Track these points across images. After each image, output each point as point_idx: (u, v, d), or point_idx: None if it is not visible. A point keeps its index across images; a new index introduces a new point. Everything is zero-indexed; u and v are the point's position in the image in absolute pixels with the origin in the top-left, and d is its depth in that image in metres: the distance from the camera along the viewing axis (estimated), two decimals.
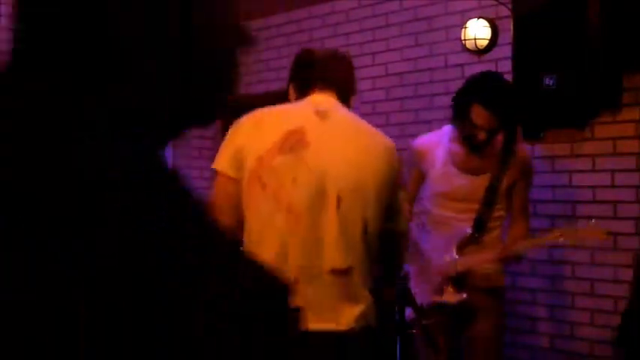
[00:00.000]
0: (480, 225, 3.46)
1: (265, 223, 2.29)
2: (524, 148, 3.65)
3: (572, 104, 3.96)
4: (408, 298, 3.03)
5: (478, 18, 4.69)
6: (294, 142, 2.30)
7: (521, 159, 3.52)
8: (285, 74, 6.07)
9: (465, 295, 3.42)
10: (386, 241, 2.44)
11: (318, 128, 2.36)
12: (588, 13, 3.76)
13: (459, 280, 3.44)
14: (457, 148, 3.47)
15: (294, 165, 2.29)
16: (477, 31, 4.68)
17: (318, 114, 2.40)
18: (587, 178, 4.28)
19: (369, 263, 2.37)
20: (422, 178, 3.60)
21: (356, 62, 5.47)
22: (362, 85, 5.48)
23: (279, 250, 2.24)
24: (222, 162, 2.38)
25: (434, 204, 3.56)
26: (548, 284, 4.43)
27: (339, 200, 2.29)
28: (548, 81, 3.86)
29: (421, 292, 3.41)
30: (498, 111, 3.26)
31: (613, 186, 4.17)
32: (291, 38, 5.98)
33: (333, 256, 2.27)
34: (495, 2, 4.54)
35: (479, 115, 3.27)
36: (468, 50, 4.76)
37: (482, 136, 3.31)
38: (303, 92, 2.52)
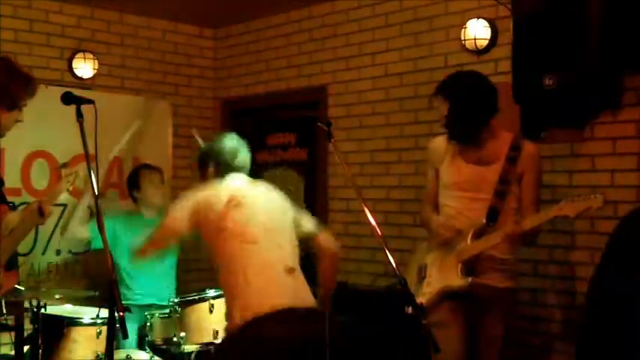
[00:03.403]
0: (493, 215, 3.55)
1: (234, 254, 3.26)
2: (530, 144, 3.69)
3: (572, 104, 3.95)
4: (408, 298, 3.03)
5: (478, 18, 4.69)
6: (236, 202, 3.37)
7: (528, 153, 3.61)
8: (285, 74, 6.09)
9: (469, 280, 3.51)
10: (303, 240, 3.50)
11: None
12: (588, 13, 3.75)
13: (470, 266, 3.54)
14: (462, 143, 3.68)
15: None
16: (477, 31, 4.68)
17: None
18: (587, 178, 4.28)
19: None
20: (437, 176, 3.78)
21: (356, 62, 5.51)
22: (362, 86, 5.48)
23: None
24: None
25: (445, 197, 3.70)
26: (548, 284, 4.43)
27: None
28: (548, 81, 3.86)
29: (435, 279, 3.61)
30: (442, 95, 3.61)
31: (613, 186, 4.17)
32: (291, 38, 5.98)
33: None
34: (495, 2, 4.54)
35: (437, 105, 3.66)
36: (468, 50, 4.76)
37: (442, 121, 3.64)
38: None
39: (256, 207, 3.39)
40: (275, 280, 3.21)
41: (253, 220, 3.32)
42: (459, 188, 3.64)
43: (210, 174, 3.55)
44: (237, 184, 3.47)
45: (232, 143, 3.57)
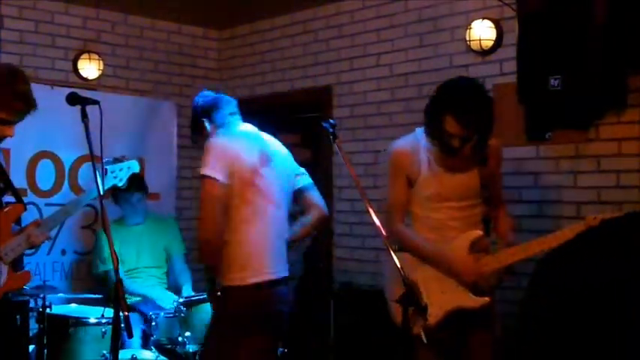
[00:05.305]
0: (488, 225, 3.50)
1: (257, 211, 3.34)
2: (493, 139, 3.51)
3: (577, 105, 3.95)
4: (411, 299, 3.03)
5: (483, 19, 4.69)
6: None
7: (494, 149, 3.52)
8: (290, 75, 6.10)
9: (487, 300, 3.38)
10: None
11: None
12: (593, 14, 3.75)
13: (478, 284, 3.40)
14: (436, 150, 3.45)
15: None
16: (482, 31, 4.68)
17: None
18: (592, 179, 4.27)
19: None
20: (409, 184, 3.53)
21: (361, 63, 5.51)
22: (367, 86, 5.48)
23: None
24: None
25: (424, 208, 3.51)
26: None
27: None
28: (553, 82, 3.86)
29: (439, 300, 3.40)
30: (470, 122, 3.28)
31: (618, 186, 4.16)
32: (296, 39, 5.99)
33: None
34: (500, 3, 4.54)
35: (451, 125, 3.29)
36: (473, 51, 4.76)
37: (455, 143, 3.32)
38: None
39: (279, 166, 3.48)
40: (280, 249, 3.41)
41: (278, 181, 3.42)
42: (443, 199, 3.45)
43: (211, 130, 3.54)
44: (260, 136, 3.53)
45: (211, 94, 3.67)
